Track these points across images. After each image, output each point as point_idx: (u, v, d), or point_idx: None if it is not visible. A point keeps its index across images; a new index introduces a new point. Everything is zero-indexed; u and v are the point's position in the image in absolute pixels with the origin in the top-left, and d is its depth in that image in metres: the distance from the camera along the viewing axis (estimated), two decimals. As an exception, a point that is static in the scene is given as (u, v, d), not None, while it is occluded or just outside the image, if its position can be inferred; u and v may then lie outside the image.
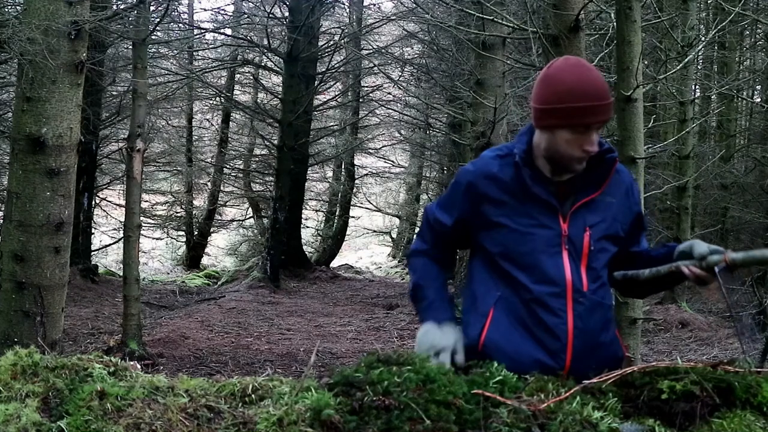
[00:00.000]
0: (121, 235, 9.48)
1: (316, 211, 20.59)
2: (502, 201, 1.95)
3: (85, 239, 12.02)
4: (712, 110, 11.97)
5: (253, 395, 1.52)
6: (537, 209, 1.94)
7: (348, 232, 20.75)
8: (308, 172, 17.41)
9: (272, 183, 15.88)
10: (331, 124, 19.03)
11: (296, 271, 15.19)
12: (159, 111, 15.06)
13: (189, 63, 15.71)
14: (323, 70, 15.42)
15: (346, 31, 15.68)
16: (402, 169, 21.26)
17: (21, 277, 4.82)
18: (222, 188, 19.41)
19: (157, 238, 18.39)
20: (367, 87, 17.99)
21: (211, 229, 19.64)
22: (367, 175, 20.80)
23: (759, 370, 1.65)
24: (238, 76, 18.15)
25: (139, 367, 1.66)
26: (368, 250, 25.55)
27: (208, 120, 19.48)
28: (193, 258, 18.69)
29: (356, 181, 20.14)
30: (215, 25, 15.98)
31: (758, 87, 13.82)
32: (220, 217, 20.07)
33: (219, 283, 15.14)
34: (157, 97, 13.90)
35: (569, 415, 1.44)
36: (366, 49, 15.61)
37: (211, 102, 18.34)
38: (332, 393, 1.48)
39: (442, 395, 1.46)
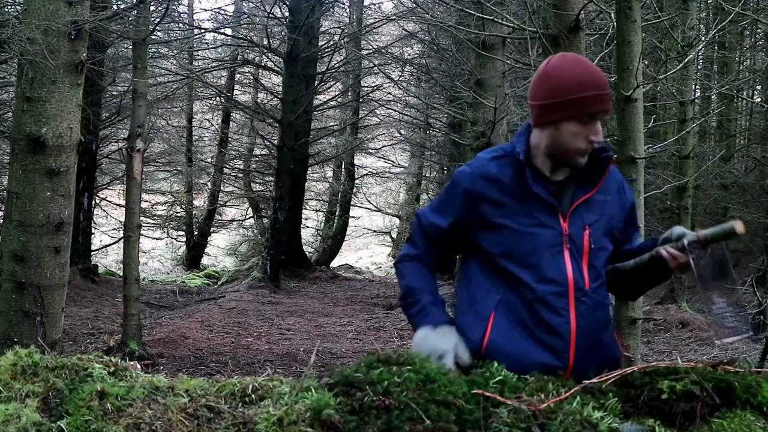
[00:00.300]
0: (121, 235, 9.49)
1: (316, 211, 20.59)
2: (502, 202, 1.95)
3: (85, 239, 12.02)
4: (712, 110, 11.96)
5: (253, 395, 1.52)
6: (537, 209, 1.94)
7: (348, 232, 20.74)
8: (308, 172, 17.42)
9: (272, 183, 15.89)
10: (331, 124, 19.03)
11: (296, 271, 15.19)
12: (159, 111, 15.05)
13: (189, 63, 15.72)
14: (323, 70, 15.43)
15: (346, 31, 15.68)
16: (402, 169, 21.24)
17: (21, 277, 4.82)
18: (222, 188, 19.41)
19: (157, 238, 18.40)
20: (367, 87, 17.98)
21: (211, 229, 19.65)
22: (367, 175, 20.80)
23: (759, 370, 1.65)
24: (238, 76, 18.16)
25: (139, 367, 1.65)
26: (368, 250, 25.55)
27: (208, 120, 19.50)
28: (193, 258, 18.70)
29: (356, 181, 20.14)
30: (215, 25, 15.99)
31: (758, 87, 13.82)
32: (220, 217, 20.08)
33: (219, 283, 15.15)
34: (157, 97, 13.90)
35: (569, 415, 1.44)
36: (366, 49, 15.61)
37: (211, 102, 18.36)
38: (332, 393, 1.48)
39: (442, 395, 1.46)
